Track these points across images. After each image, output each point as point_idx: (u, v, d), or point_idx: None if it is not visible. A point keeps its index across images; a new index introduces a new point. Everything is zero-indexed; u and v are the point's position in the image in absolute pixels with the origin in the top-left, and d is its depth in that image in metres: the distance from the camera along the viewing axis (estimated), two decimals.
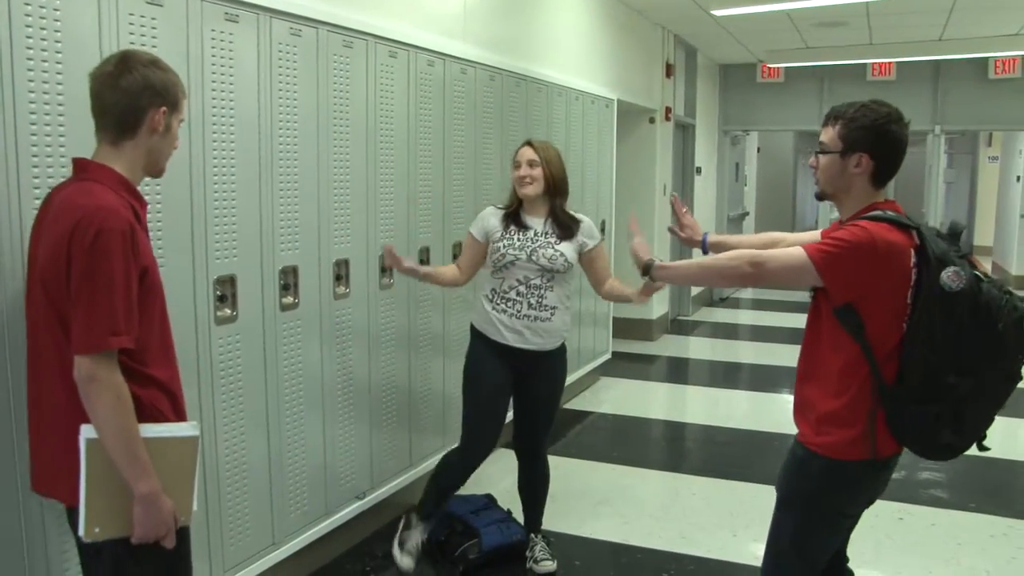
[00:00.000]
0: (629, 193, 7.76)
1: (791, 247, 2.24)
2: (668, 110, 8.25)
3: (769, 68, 10.40)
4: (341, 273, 3.47)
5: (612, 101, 6.62)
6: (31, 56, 2.24)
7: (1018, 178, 12.35)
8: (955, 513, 4.28)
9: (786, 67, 10.28)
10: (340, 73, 3.42)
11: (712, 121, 10.50)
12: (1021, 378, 2.21)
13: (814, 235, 2.55)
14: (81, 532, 1.89)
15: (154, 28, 2.59)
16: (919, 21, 7.71)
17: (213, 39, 2.82)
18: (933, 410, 2.15)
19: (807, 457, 2.28)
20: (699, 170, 9.64)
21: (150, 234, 2.10)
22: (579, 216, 3.48)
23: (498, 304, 3.37)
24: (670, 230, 3.08)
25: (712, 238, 2.95)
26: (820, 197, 2.38)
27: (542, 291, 3.34)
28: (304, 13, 3.19)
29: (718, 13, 7.28)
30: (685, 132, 9.27)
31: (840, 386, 2.22)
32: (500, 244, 3.36)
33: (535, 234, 3.37)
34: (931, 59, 9.51)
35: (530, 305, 3.34)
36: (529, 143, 3.42)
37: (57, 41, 2.29)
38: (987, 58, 9.48)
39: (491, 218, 3.44)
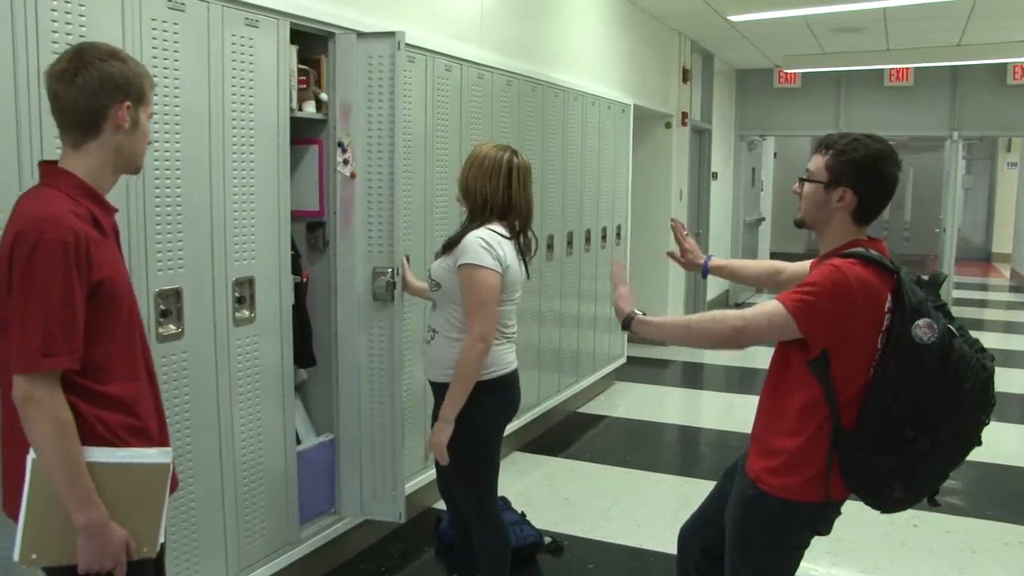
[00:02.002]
0: (645, 198, 7.77)
1: (768, 302, 2.12)
2: (684, 115, 8.26)
3: (786, 73, 10.38)
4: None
5: (628, 106, 6.63)
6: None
7: None
8: (970, 521, 4.25)
9: (803, 72, 10.26)
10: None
11: (729, 126, 10.49)
12: (979, 442, 2.15)
13: (805, 267, 2.52)
14: (16, 557, 1.76)
15: (176, 33, 2.63)
16: (937, 27, 7.68)
17: (234, 44, 2.86)
18: (888, 462, 2.09)
19: (759, 498, 2.22)
20: (715, 175, 9.63)
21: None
22: (472, 233, 2.80)
23: None
24: (670, 255, 2.97)
25: (714, 262, 2.86)
26: (799, 225, 2.30)
27: (431, 309, 2.99)
28: (321, 17, 3.23)
29: (735, 18, 7.28)
30: (701, 137, 9.27)
31: (798, 425, 2.16)
32: None
33: None
34: (949, 65, 9.47)
35: (426, 324, 3.03)
36: None
37: None
38: (1005, 64, 9.43)
39: None
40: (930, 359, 2.02)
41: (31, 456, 1.74)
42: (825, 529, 2.29)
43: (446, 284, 2.84)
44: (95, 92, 1.78)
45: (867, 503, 2.25)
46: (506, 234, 2.85)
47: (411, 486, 4.00)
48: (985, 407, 2.10)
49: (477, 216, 2.86)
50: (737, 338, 2.14)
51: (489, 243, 2.77)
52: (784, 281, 2.69)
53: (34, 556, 1.78)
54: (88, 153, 1.82)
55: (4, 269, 1.71)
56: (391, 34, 3.29)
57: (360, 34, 3.33)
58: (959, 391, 2.04)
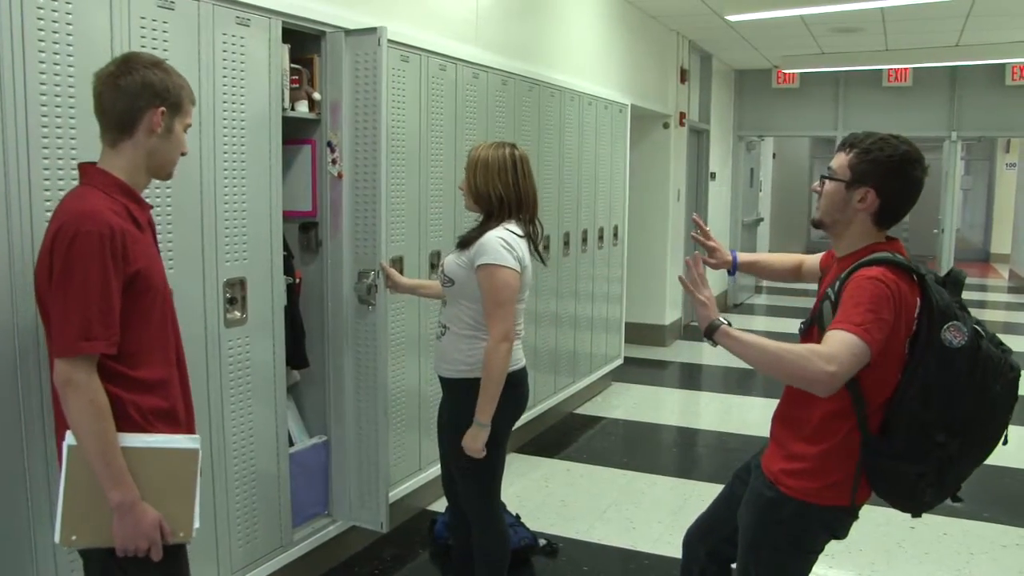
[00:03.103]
0: (643, 199, 7.76)
1: (835, 336, 1.98)
2: (682, 115, 8.24)
3: (784, 73, 10.36)
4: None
5: (626, 106, 6.61)
6: (43, 59, 2.26)
7: None
8: (967, 523, 4.24)
9: (801, 72, 10.24)
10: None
11: (727, 126, 10.47)
12: (1005, 441, 2.13)
13: (815, 259, 2.49)
14: (57, 539, 1.87)
15: (165, 32, 2.61)
16: (935, 27, 7.66)
17: (225, 42, 2.84)
18: (919, 469, 2.06)
19: (778, 500, 2.18)
20: (713, 175, 9.61)
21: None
22: (490, 232, 2.80)
23: None
24: (694, 260, 2.63)
25: (742, 258, 2.75)
26: (817, 225, 2.24)
27: (443, 305, 2.97)
28: (313, 16, 3.21)
29: (732, 18, 7.25)
30: (699, 137, 9.25)
31: (822, 432, 2.13)
32: None
33: None
34: (947, 65, 9.46)
35: (439, 319, 2.99)
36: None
37: (69, 44, 2.32)
38: (1004, 64, 9.42)
39: None
40: (960, 362, 1.98)
41: (67, 443, 1.86)
42: (842, 533, 2.25)
43: (460, 281, 2.83)
44: (134, 95, 1.91)
45: (898, 507, 2.21)
46: (520, 233, 2.87)
47: (405, 488, 3.99)
48: (1010, 406, 2.07)
49: (495, 216, 2.85)
50: (831, 384, 1.96)
51: (509, 243, 2.78)
52: (805, 273, 2.65)
53: (74, 538, 1.88)
54: (123, 152, 1.94)
55: (46, 261, 1.84)
56: (374, 30, 3.25)
57: (348, 31, 3.30)
58: (990, 393, 2.01)
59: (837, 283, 2.09)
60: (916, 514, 2.22)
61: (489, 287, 2.76)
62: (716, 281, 10.11)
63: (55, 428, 1.99)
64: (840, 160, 2.14)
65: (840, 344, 1.95)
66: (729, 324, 2.15)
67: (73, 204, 1.87)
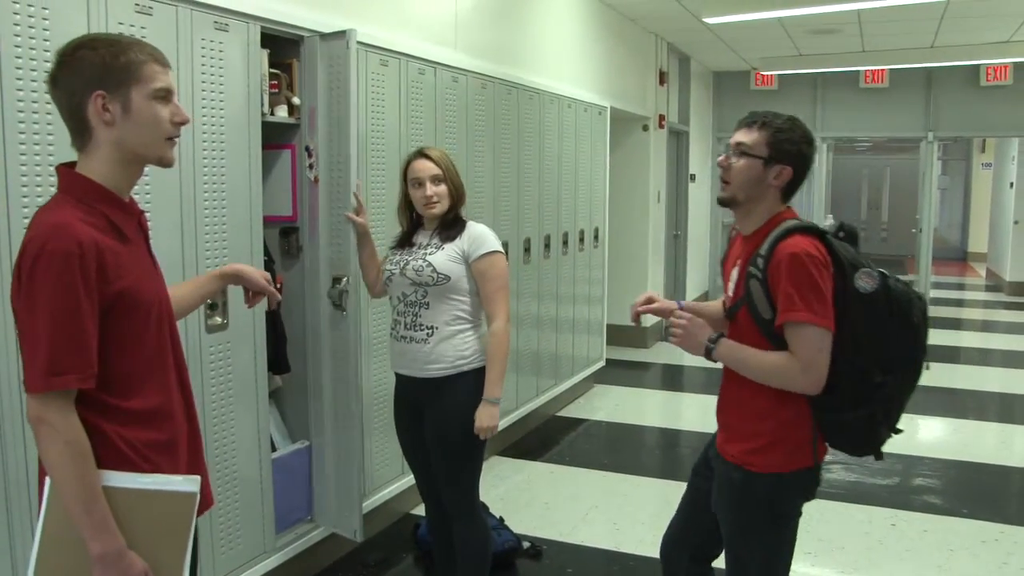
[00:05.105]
0: (623, 201, 7.79)
1: (796, 331, 2.10)
2: (662, 117, 8.27)
3: (763, 75, 10.43)
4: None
5: (605, 109, 6.64)
6: (20, 64, 2.25)
7: (1011, 184, 12.40)
8: (947, 519, 4.27)
9: (779, 74, 10.31)
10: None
11: (706, 128, 10.52)
12: (927, 367, 2.25)
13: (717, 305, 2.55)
14: None
15: (144, 37, 2.58)
16: (911, 28, 7.74)
17: (203, 47, 2.83)
18: (867, 412, 2.16)
19: (749, 479, 2.23)
20: (693, 177, 9.65)
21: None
22: (473, 224, 2.97)
23: (391, 328, 3.02)
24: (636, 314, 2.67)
25: (686, 305, 2.68)
26: (726, 203, 2.29)
27: (417, 309, 2.90)
28: (291, 21, 3.20)
29: (710, 21, 7.28)
30: (679, 139, 9.29)
31: (774, 406, 2.20)
32: (384, 262, 3.07)
33: (417, 247, 2.97)
34: (923, 66, 9.56)
35: (406, 325, 2.93)
36: (425, 155, 2.94)
37: (46, 49, 2.30)
38: (979, 65, 9.52)
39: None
40: (878, 304, 2.11)
41: (49, 479, 1.65)
42: (814, 493, 2.31)
43: (455, 276, 2.87)
44: (71, 91, 1.67)
45: (856, 454, 2.29)
46: None
47: (388, 492, 3.98)
48: (927, 334, 2.20)
49: (457, 207, 2.98)
50: (818, 385, 2.11)
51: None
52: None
53: None
54: (93, 153, 1.70)
55: (15, 276, 1.62)
56: (343, 33, 3.23)
57: (323, 35, 3.30)
58: (911, 325, 2.14)
59: (760, 260, 2.15)
60: (877, 456, 2.29)
61: (497, 273, 2.91)
62: (695, 281, 10.14)
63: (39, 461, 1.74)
64: (754, 137, 2.21)
65: (807, 346, 2.09)
66: (720, 337, 2.24)
67: (43, 216, 1.65)
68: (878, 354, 2.13)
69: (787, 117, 2.24)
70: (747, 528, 2.29)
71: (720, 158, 2.29)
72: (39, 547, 1.66)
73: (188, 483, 1.74)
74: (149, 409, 1.73)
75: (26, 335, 1.61)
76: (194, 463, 1.86)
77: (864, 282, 2.10)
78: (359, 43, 3.54)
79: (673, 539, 2.59)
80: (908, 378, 2.20)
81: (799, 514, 2.31)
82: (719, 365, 2.31)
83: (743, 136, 2.23)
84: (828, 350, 2.09)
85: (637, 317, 2.53)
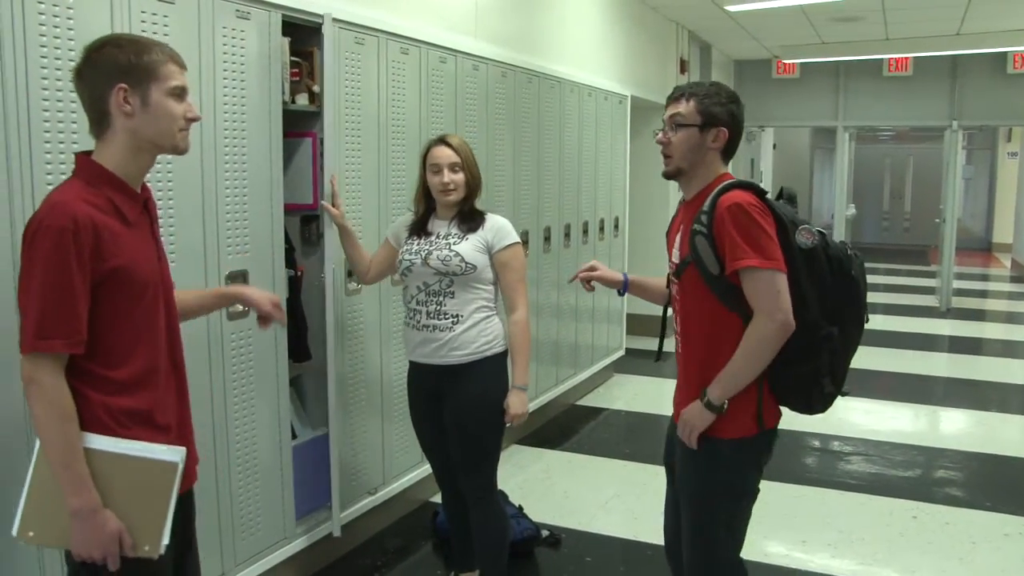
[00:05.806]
0: (643, 190, 7.75)
1: (749, 277, 2.17)
2: None
3: (784, 64, 10.35)
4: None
5: (626, 97, 6.61)
6: (44, 54, 2.26)
7: None
8: (970, 512, 4.24)
9: (801, 63, 10.22)
10: (352, 70, 3.43)
11: None
12: (867, 319, 2.36)
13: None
14: (14, 531, 1.81)
15: (166, 26, 2.61)
16: (936, 15, 7.65)
17: (225, 36, 2.84)
18: (814, 365, 2.25)
19: (714, 445, 2.31)
20: None
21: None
22: (492, 215, 3.04)
23: (407, 317, 3.05)
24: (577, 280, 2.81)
25: (632, 278, 2.80)
26: (672, 175, 2.38)
27: (440, 298, 2.94)
28: (312, 9, 3.20)
29: (732, 8, 7.25)
30: None
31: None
32: (402, 251, 3.06)
33: (436, 237, 2.99)
34: (948, 54, 9.44)
35: (428, 314, 2.95)
36: (445, 142, 2.97)
37: (71, 39, 2.31)
38: (1005, 53, 9.40)
39: (404, 225, 3.15)
40: (819, 259, 2.22)
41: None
42: (768, 458, 2.39)
43: (480, 265, 2.94)
44: (95, 82, 1.82)
45: (800, 411, 2.37)
46: None
47: (408, 480, 4.00)
48: (866, 288, 2.32)
49: (473, 197, 3.02)
50: (788, 324, 2.17)
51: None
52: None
53: (31, 534, 1.83)
54: (108, 141, 1.85)
55: (21, 255, 1.78)
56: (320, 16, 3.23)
57: (336, 21, 3.30)
58: (852, 278, 2.25)
59: (703, 216, 2.21)
60: (822, 410, 2.35)
61: (520, 264, 3.02)
62: None
63: None
64: (686, 108, 2.32)
65: (765, 291, 2.16)
66: (703, 392, 2.28)
67: (51, 195, 1.80)
68: (824, 307, 2.23)
69: (710, 83, 2.38)
70: (712, 497, 2.37)
71: (658, 136, 2.39)
72: (27, 497, 1.81)
73: (171, 453, 1.83)
74: (133, 380, 1.85)
75: (22, 301, 1.76)
76: (180, 440, 1.94)
77: (804, 238, 2.20)
78: (380, 31, 3.55)
79: (673, 541, 2.63)
80: (852, 330, 2.30)
81: (758, 482, 2.39)
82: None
83: (675, 109, 2.34)
84: (786, 290, 2.16)
85: (583, 282, 2.71)
